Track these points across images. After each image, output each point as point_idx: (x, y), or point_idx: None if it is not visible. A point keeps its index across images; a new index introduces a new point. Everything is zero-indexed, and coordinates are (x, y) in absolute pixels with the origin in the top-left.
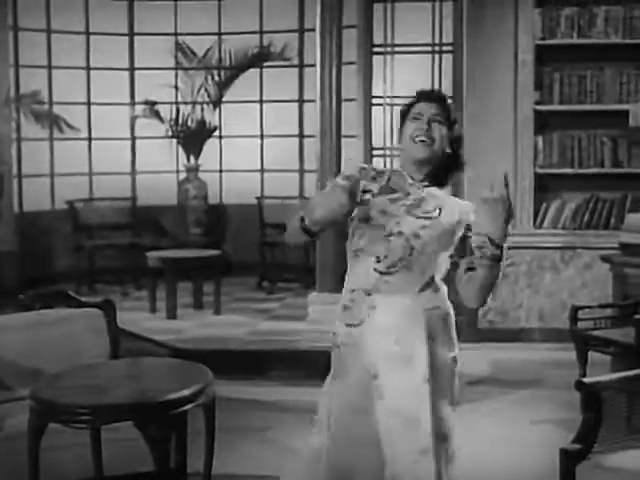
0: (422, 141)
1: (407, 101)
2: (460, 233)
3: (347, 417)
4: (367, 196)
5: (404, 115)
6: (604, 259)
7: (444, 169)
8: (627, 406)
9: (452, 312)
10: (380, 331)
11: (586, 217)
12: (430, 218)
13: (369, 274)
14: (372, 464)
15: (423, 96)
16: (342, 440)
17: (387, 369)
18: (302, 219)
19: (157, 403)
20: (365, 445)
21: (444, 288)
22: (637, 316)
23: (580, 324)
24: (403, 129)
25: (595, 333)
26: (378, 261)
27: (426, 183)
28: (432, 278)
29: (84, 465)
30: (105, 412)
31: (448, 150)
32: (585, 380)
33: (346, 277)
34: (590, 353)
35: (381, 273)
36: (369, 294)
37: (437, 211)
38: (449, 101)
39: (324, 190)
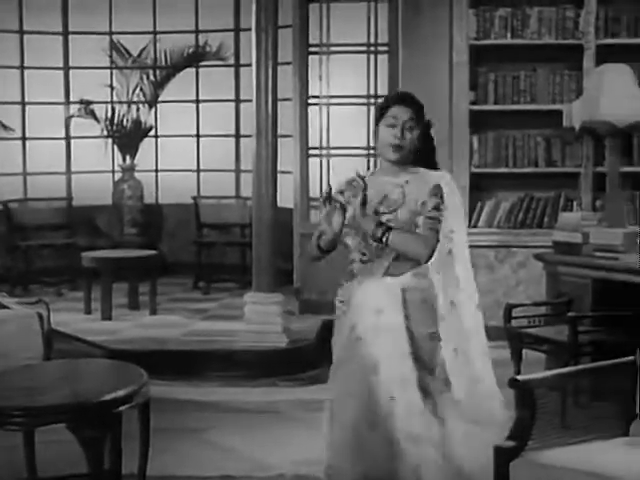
0: (396, 147)
1: (381, 102)
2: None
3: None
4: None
5: (379, 118)
6: (538, 258)
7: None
8: (560, 403)
9: (435, 294)
10: (363, 306)
11: (520, 216)
12: (391, 212)
13: (356, 263)
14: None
15: (397, 100)
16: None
17: (373, 338)
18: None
19: (91, 404)
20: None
21: (428, 272)
22: (570, 314)
23: (514, 322)
24: (378, 131)
25: (529, 331)
26: (363, 254)
27: (399, 174)
28: (409, 265)
29: (17, 467)
30: (39, 414)
31: (419, 145)
32: (519, 378)
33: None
34: (524, 351)
35: (363, 262)
36: (354, 276)
37: (398, 201)
38: (419, 102)
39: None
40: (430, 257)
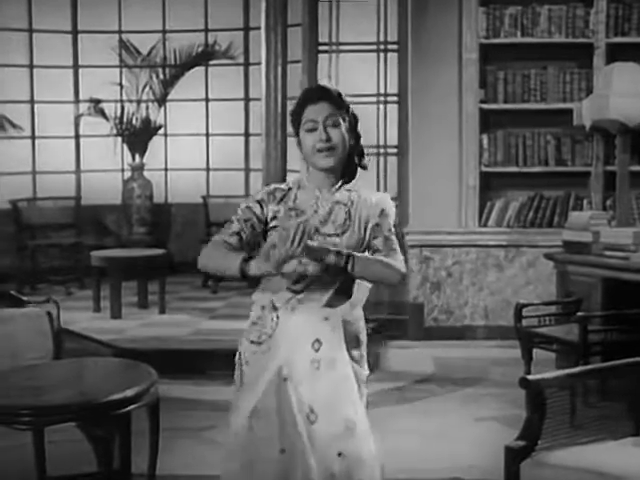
0: (326, 150)
1: (294, 105)
2: (369, 231)
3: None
4: (274, 222)
5: (296, 123)
6: (548, 257)
7: (352, 164)
8: (570, 403)
9: (364, 332)
10: (295, 337)
11: (530, 215)
12: (338, 235)
13: (282, 293)
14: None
15: (309, 99)
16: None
17: (307, 377)
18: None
19: (100, 404)
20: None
21: (359, 306)
22: (580, 313)
23: (524, 322)
24: (300, 139)
25: (539, 330)
26: (294, 282)
27: (336, 187)
28: (349, 292)
29: (26, 466)
30: (48, 413)
31: (352, 142)
32: (529, 377)
33: (256, 293)
34: (534, 350)
35: (294, 292)
36: (276, 309)
37: (346, 223)
38: (335, 91)
39: (215, 242)
40: (404, 278)
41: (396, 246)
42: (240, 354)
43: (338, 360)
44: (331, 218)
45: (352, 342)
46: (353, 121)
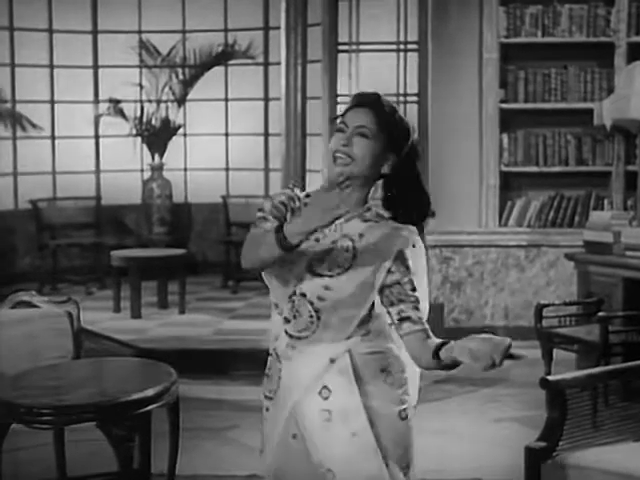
0: (341, 157)
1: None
2: (381, 279)
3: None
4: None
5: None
6: (569, 257)
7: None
8: (591, 403)
9: (400, 356)
10: (301, 388)
11: (551, 215)
12: (332, 276)
13: (280, 336)
14: None
15: (354, 101)
16: None
17: (318, 430)
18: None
19: (120, 403)
20: None
21: (384, 327)
22: (601, 314)
23: (545, 322)
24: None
25: (560, 331)
26: (287, 321)
27: (351, 215)
28: (364, 321)
29: (47, 465)
30: (67, 413)
31: (385, 170)
32: (550, 378)
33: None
34: (555, 351)
35: (291, 336)
36: (279, 357)
37: (348, 263)
38: (391, 109)
39: (255, 233)
40: None
41: (422, 310)
42: (262, 410)
43: (351, 411)
44: (331, 256)
45: (376, 379)
46: (407, 153)
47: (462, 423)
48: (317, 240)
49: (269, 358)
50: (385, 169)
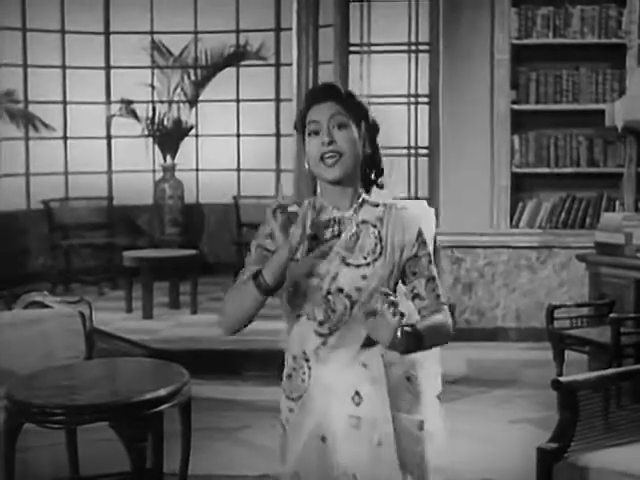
0: (330, 156)
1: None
2: (405, 258)
3: None
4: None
5: (301, 127)
6: (580, 258)
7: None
8: (603, 405)
9: (417, 367)
10: (332, 391)
11: (562, 216)
12: (369, 264)
13: (310, 337)
14: None
15: (313, 98)
16: None
17: (345, 436)
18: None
19: (133, 403)
20: None
21: None
22: (612, 315)
23: (556, 323)
24: (305, 147)
25: (571, 332)
26: (320, 324)
27: (359, 202)
28: None
29: (60, 465)
30: (80, 412)
31: (368, 150)
32: (562, 379)
33: (285, 341)
34: (567, 352)
35: (322, 335)
36: (307, 360)
37: (378, 248)
38: (345, 91)
39: (236, 286)
40: (451, 336)
41: (440, 290)
42: (281, 412)
43: (380, 421)
44: (358, 244)
45: (401, 387)
46: (371, 129)
47: (474, 424)
48: (337, 235)
49: (289, 359)
50: (367, 149)
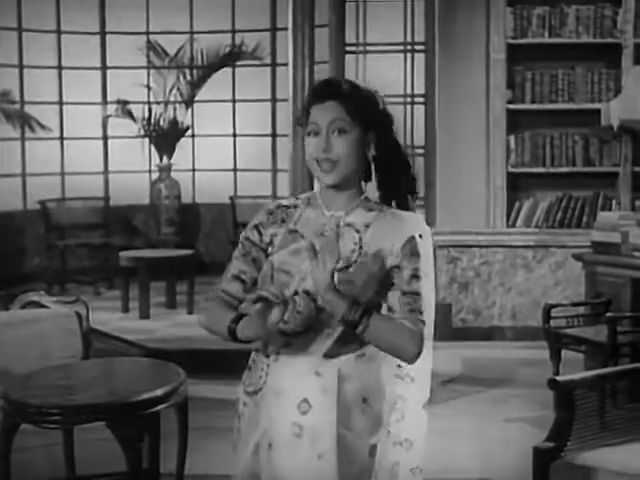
0: (325, 163)
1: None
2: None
3: None
4: (271, 248)
5: (305, 124)
6: (576, 257)
7: (392, 183)
8: (599, 404)
9: (385, 387)
10: (281, 395)
11: (558, 216)
12: (340, 270)
13: (274, 337)
14: None
15: (314, 97)
16: None
17: (286, 443)
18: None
19: (129, 403)
20: None
21: (381, 354)
22: (609, 314)
23: (553, 322)
24: (304, 144)
25: (568, 331)
26: (285, 323)
27: (352, 206)
28: (359, 342)
29: (56, 465)
30: (76, 412)
31: (372, 152)
32: (558, 378)
33: None
34: (563, 351)
35: (285, 335)
36: (268, 356)
37: (355, 255)
38: (348, 88)
39: (215, 297)
40: (419, 355)
41: (417, 306)
42: (238, 400)
43: (323, 432)
44: (337, 249)
45: (354, 405)
46: (382, 125)
47: (470, 423)
48: (321, 234)
49: (253, 351)
50: (371, 151)
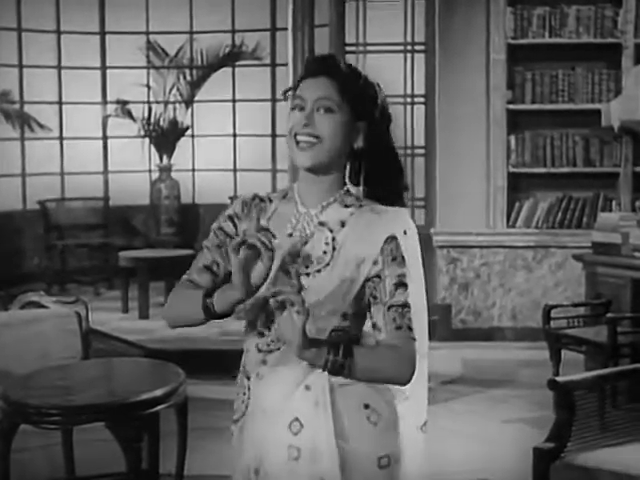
0: (305, 140)
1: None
2: (366, 273)
3: None
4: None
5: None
6: (577, 258)
7: (356, 170)
8: (599, 405)
9: (388, 407)
10: (269, 416)
11: (559, 216)
12: (309, 274)
13: (251, 352)
14: None
15: (307, 69)
16: None
17: (283, 469)
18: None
19: (129, 403)
20: None
21: None
22: (609, 315)
23: (553, 323)
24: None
25: (568, 332)
26: (260, 335)
27: (329, 201)
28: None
29: (56, 466)
30: (76, 413)
31: (359, 144)
32: (558, 379)
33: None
34: (563, 352)
35: (261, 351)
36: (249, 377)
37: (327, 257)
38: (352, 72)
39: (179, 285)
40: (412, 375)
41: (405, 320)
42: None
43: (323, 452)
44: (305, 249)
45: (353, 414)
46: (378, 120)
47: (470, 424)
48: (290, 235)
49: (239, 375)
50: (358, 142)
